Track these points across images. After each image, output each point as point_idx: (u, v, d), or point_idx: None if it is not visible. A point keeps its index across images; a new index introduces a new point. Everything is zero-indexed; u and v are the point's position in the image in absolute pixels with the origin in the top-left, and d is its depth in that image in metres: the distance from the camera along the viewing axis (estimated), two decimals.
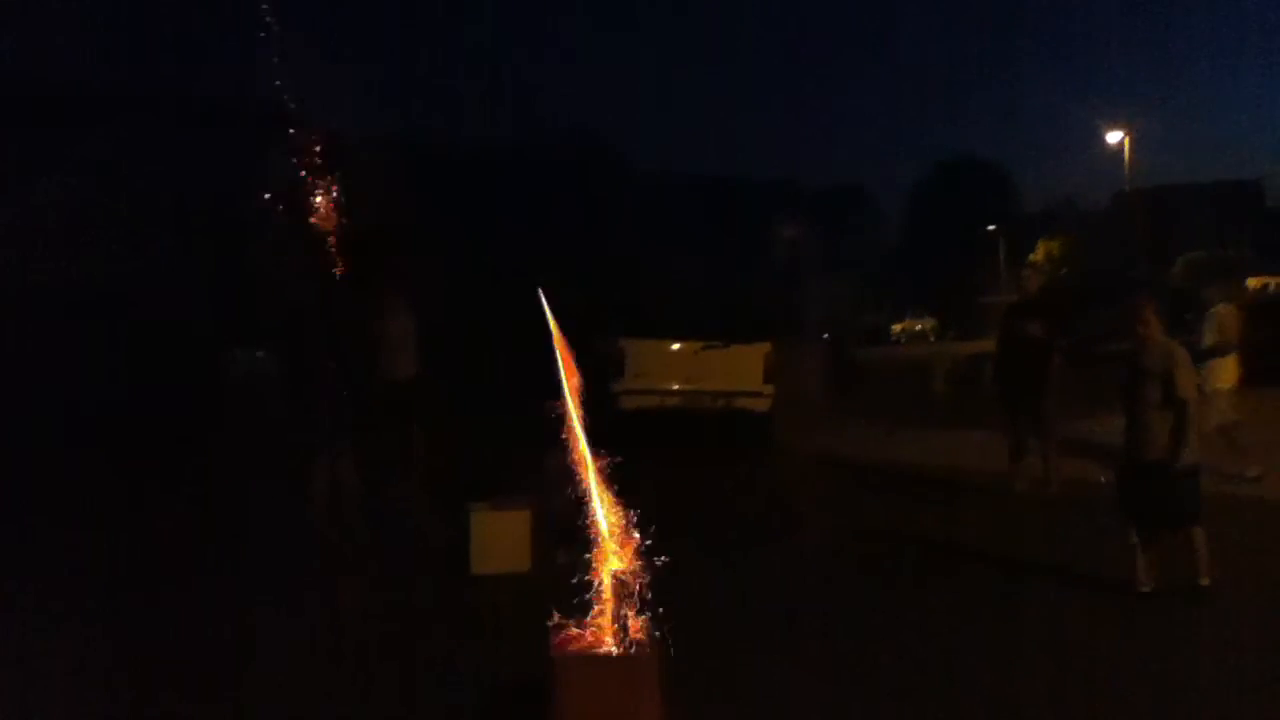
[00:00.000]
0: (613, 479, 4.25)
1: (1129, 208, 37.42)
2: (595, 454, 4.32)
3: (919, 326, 47.71)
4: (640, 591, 4.06)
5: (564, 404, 4.31)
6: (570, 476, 4.20)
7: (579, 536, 6.81)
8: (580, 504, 4.22)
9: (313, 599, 6.41)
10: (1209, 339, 9.30)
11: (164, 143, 21.58)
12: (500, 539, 6.86)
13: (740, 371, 12.23)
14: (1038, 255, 53.25)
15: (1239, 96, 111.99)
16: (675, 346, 12.24)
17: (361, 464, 9.00)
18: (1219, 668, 5.07)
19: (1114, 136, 35.34)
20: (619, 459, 4.20)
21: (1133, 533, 6.03)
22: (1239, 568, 6.29)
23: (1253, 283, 27.25)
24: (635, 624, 4.01)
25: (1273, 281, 26.74)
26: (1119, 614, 5.81)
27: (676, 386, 12.10)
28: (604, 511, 4.14)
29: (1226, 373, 9.37)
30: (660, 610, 4.09)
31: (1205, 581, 5.92)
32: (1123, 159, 35.24)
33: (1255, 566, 6.62)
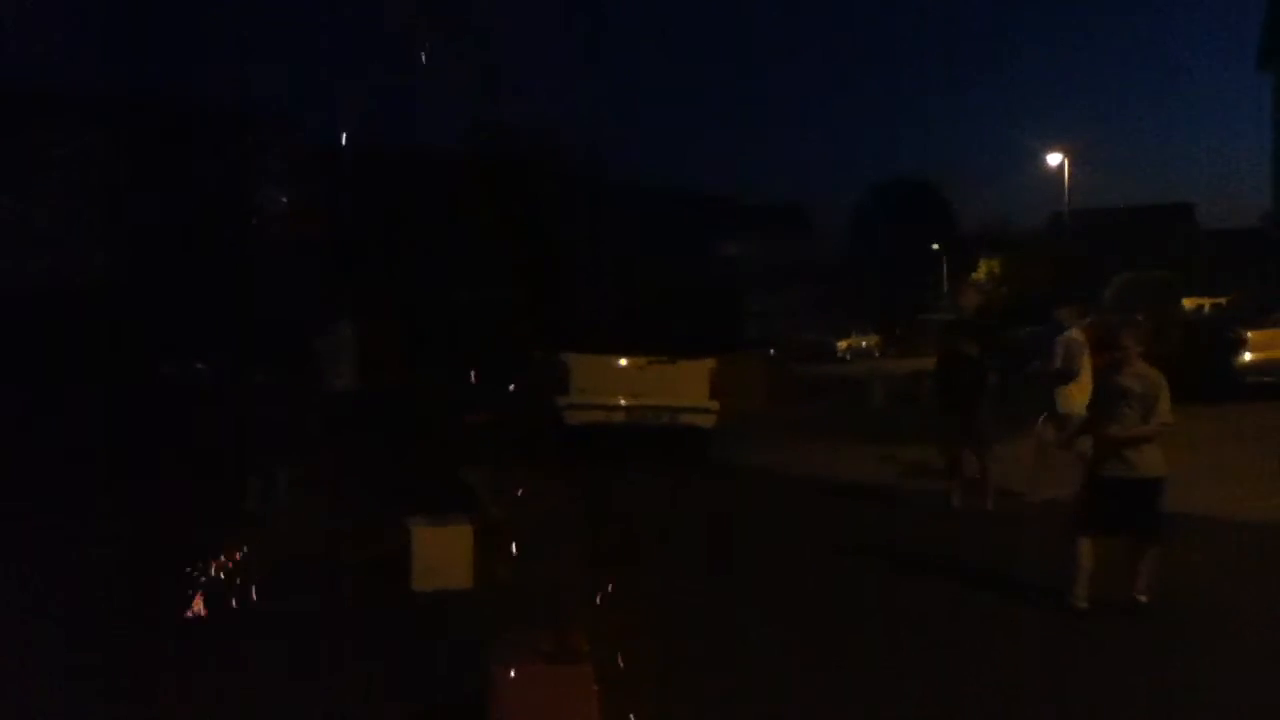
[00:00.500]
0: (556, 493, 4.28)
1: (1065, 228, 38.22)
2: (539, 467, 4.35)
3: (864, 343, 48.16)
4: (579, 605, 4.09)
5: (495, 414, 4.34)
6: (504, 488, 4.24)
7: (518, 551, 6.84)
8: (519, 518, 4.25)
9: (249, 613, 6.34)
10: (1057, 363, 9.30)
11: (104, 146, 21.16)
12: (441, 554, 6.81)
13: (686, 387, 12.29)
14: (979, 274, 54.16)
15: (1175, 120, 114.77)
16: (620, 361, 12.27)
17: (302, 476, 8.98)
18: (1160, 684, 5.16)
19: (1054, 158, 36.14)
20: (564, 472, 4.23)
21: (1083, 548, 6.14)
22: (1172, 584, 6.40)
23: (1188, 303, 28.01)
24: (573, 637, 4.05)
25: (1207, 303, 27.46)
26: (1060, 630, 5.90)
27: (622, 401, 12.12)
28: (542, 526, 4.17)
29: (1079, 398, 9.13)
30: (598, 623, 4.13)
31: (1144, 598, 6.08)
32: (1062, 181, 36.05)
33: (1189, 583, 6.77)
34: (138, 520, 9.01)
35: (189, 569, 7.26)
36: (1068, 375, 9.18)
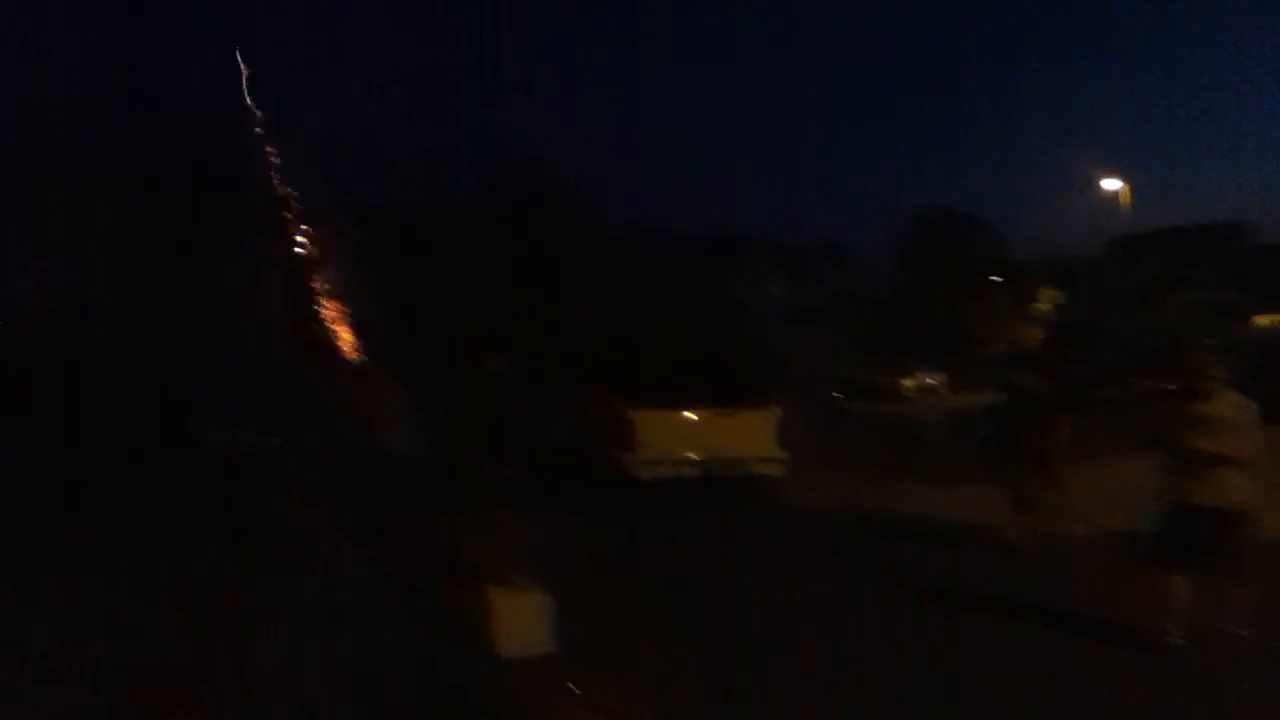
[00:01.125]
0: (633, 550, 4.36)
1: (1125, 253, 37.68)
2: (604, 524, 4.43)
3: (929, 380, 47.57)
4: (647, 671, 4.12)
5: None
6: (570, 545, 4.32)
7: (587, 613, 6.88)
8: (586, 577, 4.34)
9: (320, 680, 6.43)
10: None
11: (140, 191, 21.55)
12: (514, 617, 6.86)
13: (752, 437, 12.28)
14: (1040, 303, 53.46)
15: (1230, 138, 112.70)
16: (684, 414, 12.31)
17: (370, 540, 9.10)
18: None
19: (1111, 184, 35.72)
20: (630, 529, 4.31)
21: (1174, 582, 6.05)
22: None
23: (1262, 320, 27.35)
24: (640, 694, 4.09)
25: None
26: (1153, 667, 5.80)
27: (688, 455, 12.12)
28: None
29: None
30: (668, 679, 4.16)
31: (1241, 632, 5.97)
32: (1118, 205, 35.60)
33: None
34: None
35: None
36: None
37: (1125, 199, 35.50)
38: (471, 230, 26.53)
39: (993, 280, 55.49)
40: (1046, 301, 53.16)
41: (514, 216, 28.01)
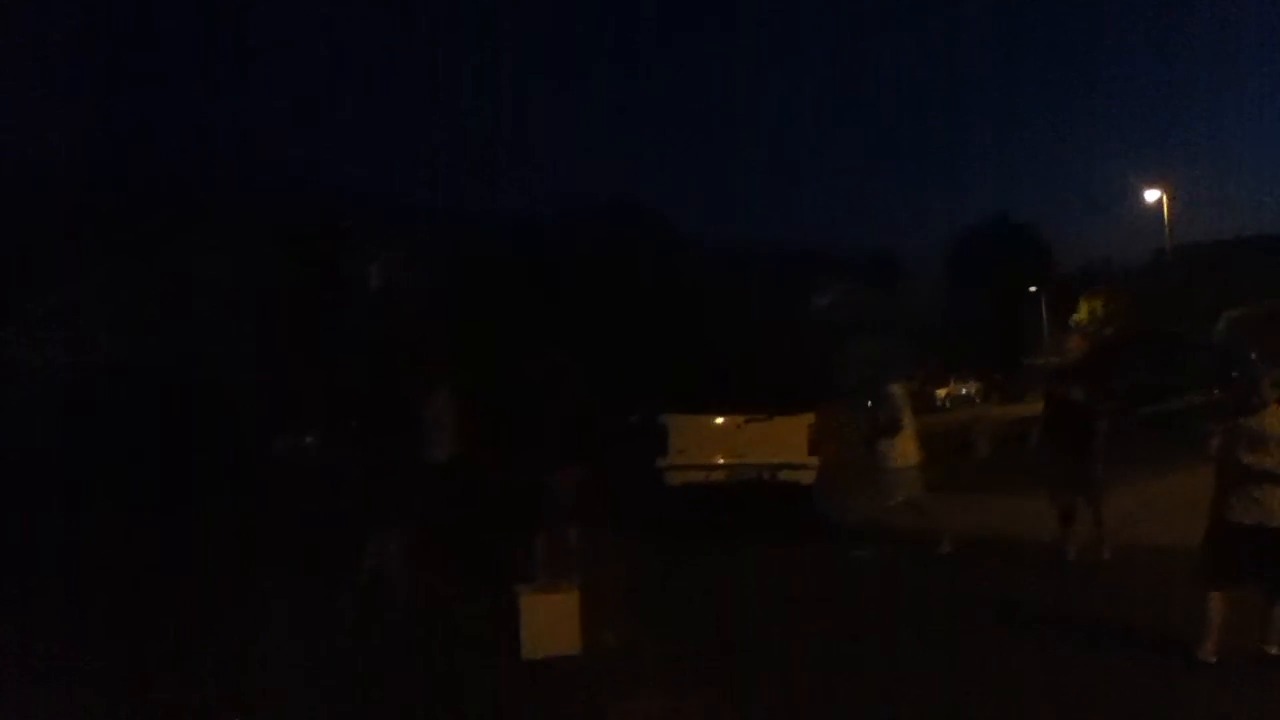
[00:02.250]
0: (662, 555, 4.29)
1: (1169, 265, 37.13)
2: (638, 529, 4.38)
3: (964, 390, 47.27)
4: (692, 668, 4.07)
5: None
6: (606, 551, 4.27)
7: (625, 615, 6.86)
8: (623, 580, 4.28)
9: (362, 690, 6.42)
10: (882, 417, 10.18)
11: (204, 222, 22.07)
12: (549, 620, 6.82)
13: (784, 443, 12.19)
14: (1081, 315, 52.92)
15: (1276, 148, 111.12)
16: (718, 420, 12.24)
17: (407, 548, 9.13)
18: None
19: (1152, 194, 35.24)
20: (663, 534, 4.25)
21: (1213, 601, 5.93)
22: None
23: None
24: (686, 705, 4.03)
25: None
26: (1186, 684, 5.66)
27: (721, 460, 12.07)
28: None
29: (907, 451, 10.17)
30: (710, 687, 4.10)
31: (1275, 650, 5.87)
32: (1161, 216, 35.10)
33: None
34: (252, 588, 9.28)
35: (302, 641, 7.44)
36: (893, 428, 10.06)
37: (1173, 209, 34.99)
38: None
39: (1034, 291, 55.07)
40: (1086, 314, 52.59)
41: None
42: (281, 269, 22.15)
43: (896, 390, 10.36)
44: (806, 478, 12.19)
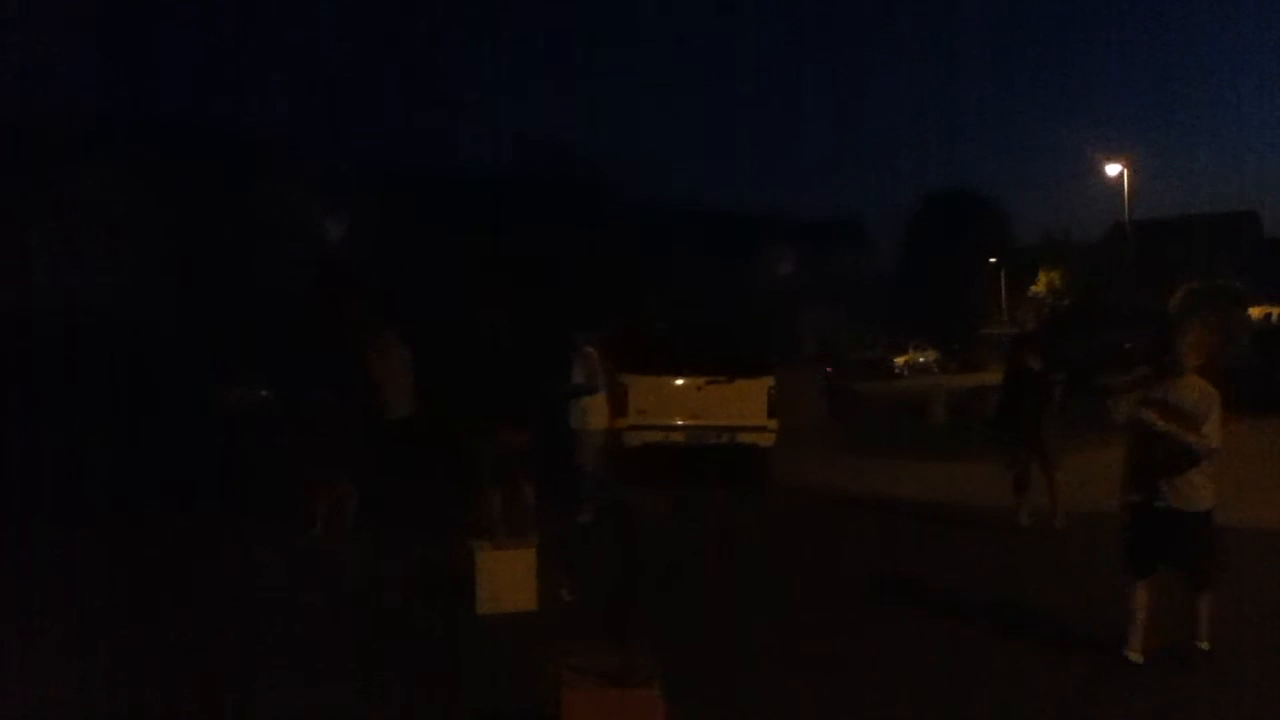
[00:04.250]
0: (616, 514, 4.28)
1: (1127, 238, 37.53)
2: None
3: (922, 359, 47.72)
4: (645, 626, 4.08)
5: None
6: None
7: (581, 572, 6.87)
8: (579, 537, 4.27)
9: (313, 636, 6.41)
10: (578, 378, 9.85)
11: (156, 172, 21.72)
12: (505, 576, 6.83)
13: (744, 405, 12.24)
14: (1039, 286, 53.51)
15: (1237, 127, 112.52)
16: (678, 381, 12.26)
17: (366, 500, 9.11)
18: None
19: (1113, 168, 35.54)
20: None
21: (1136, 595, 5.45)
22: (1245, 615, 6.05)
23: (1255, 312, 27.40)
24: (641, 659, 4.04)
25: (1275, 311, 26.84)
26: (1113, 679, 5.33)
27: (680, 421, 12.10)
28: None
29: (598, 414, 9.98)
30: (664, 644, 4.10)
31: (1205, 645, 5.44)
32: (1122, 190, 35.42)
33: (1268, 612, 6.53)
34: (201, 540, 9.22)
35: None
36: (589, 389, 9.83)
37: (1135, 184, 35.30)
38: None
39: (993, 262, 55.57)
40: (1045, 285, 53.19)
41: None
42: (201, 211, 21.88)
43: (591, 352, 9.92)
44: (765, 440, 12.25)
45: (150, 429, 14.06)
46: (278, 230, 23.65)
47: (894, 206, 77.80)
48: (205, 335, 17.61)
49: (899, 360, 46.24)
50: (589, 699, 3.89)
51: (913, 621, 6.63)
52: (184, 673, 5.72)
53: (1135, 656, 5.42)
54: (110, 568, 8.12)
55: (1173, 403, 5.31)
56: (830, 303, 46.51)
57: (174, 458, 12.98)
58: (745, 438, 12.19)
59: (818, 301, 44.88)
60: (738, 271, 38.34)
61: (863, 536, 9.55)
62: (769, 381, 12.35)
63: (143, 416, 14.33)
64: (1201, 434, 5.21)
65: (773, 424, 12.25)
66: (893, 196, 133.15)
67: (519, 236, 25.72)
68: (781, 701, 5.16)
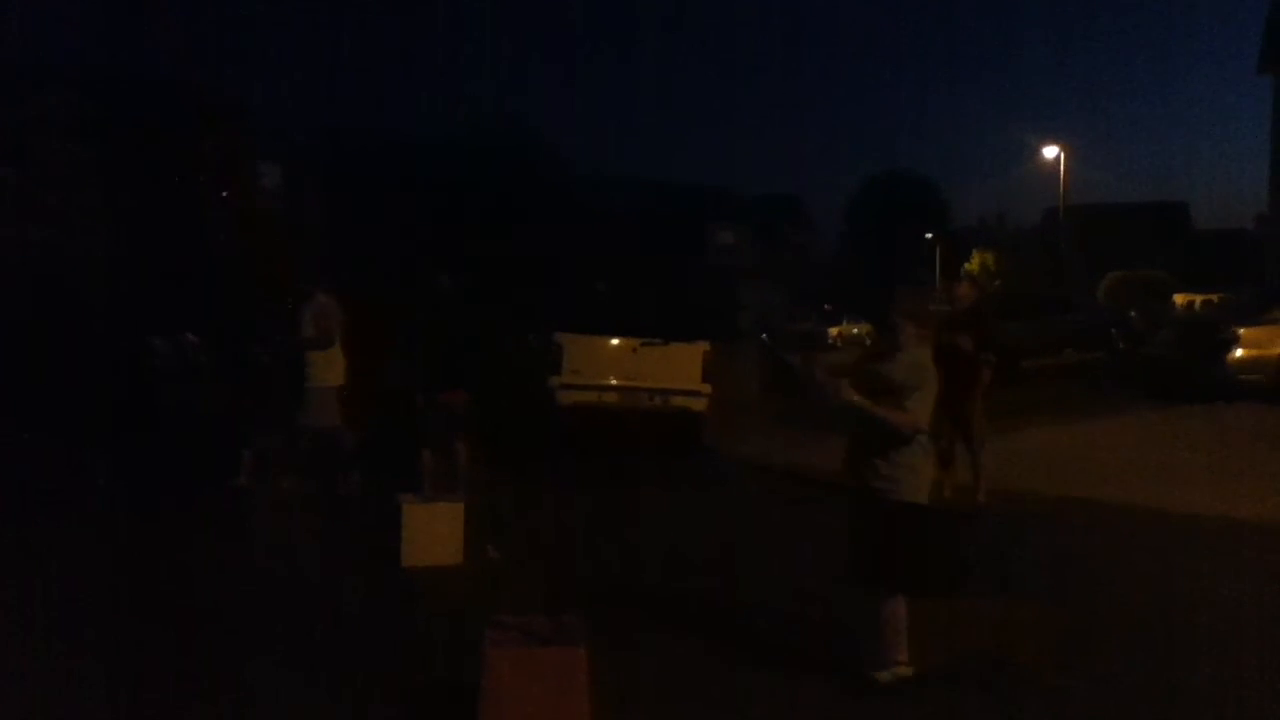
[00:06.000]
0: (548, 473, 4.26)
1: (1059, 224, 38.17)
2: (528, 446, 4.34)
3: (855, 331, 48.21)
4: (571, 586, 4.08)
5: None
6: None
7: (509, 530, 6.85)
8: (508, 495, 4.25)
9: (238, 588, 6.33)
10: (307, 330, 8.92)
11: (96, 121, 21.11)
12: (432, 532, 6.81)
13: (678, 370, 12.24)
14: (973, 265, 54.26)
15: (1173, 120, 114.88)
16: (613, 342, 12.24)
17: (292, 452, 8.98)
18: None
19: (1050, 152, 36.10)
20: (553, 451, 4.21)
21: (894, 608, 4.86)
22: (1170, 590, 6.34)
23: (1179, 299, 28.13)
24: (567, 619, 4.04)
25: (1198, 299, 27.54)
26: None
27: (614, 382, 12.09)
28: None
29: (333, 370, 8.97)
30: (590, 605, 4.11)
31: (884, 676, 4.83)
32: (1059, 176, 35.98)
33: (1191, 589, 6.74)
34: (125, 492, 9.02)
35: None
36: (322, 343, 8.89)
37: (1071, 170, 35.89)
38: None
39: (928, 238, 56.20)
40: (978, 265, 53.92)
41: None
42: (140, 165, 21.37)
43: (326, 301, 9.05)
44: (698, 405, 12.27)
45: (75, 382, 13.68)
46: (218, 188, 23.19)
47: (837, 189, 78.47)
48: (138, 291, 17.14)
49: (833, 332, 46.70)
50: (514, 659, 3.88)
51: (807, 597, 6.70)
52: (81, 637, 5.55)
53: (902, 672, 4.82)
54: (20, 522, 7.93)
55: (884, 376, 4.78)
56: (770, 278, 46.73)
57: (100, 410, 12.65)
58: (678, 401, 12.21)
59: (758, 276, 45.08)
60: (678, 239, 38.33)
61: (778, 509, 9.50)
62: (704, 346, 12.36)
63: (68, 370, 13.93)
64: (904, 409, 4.68)
65: (706, 389, 12.27)
66: (836, 180, 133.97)
67: (460, 201, 25.49)
68: (703, 662, 5.20)
